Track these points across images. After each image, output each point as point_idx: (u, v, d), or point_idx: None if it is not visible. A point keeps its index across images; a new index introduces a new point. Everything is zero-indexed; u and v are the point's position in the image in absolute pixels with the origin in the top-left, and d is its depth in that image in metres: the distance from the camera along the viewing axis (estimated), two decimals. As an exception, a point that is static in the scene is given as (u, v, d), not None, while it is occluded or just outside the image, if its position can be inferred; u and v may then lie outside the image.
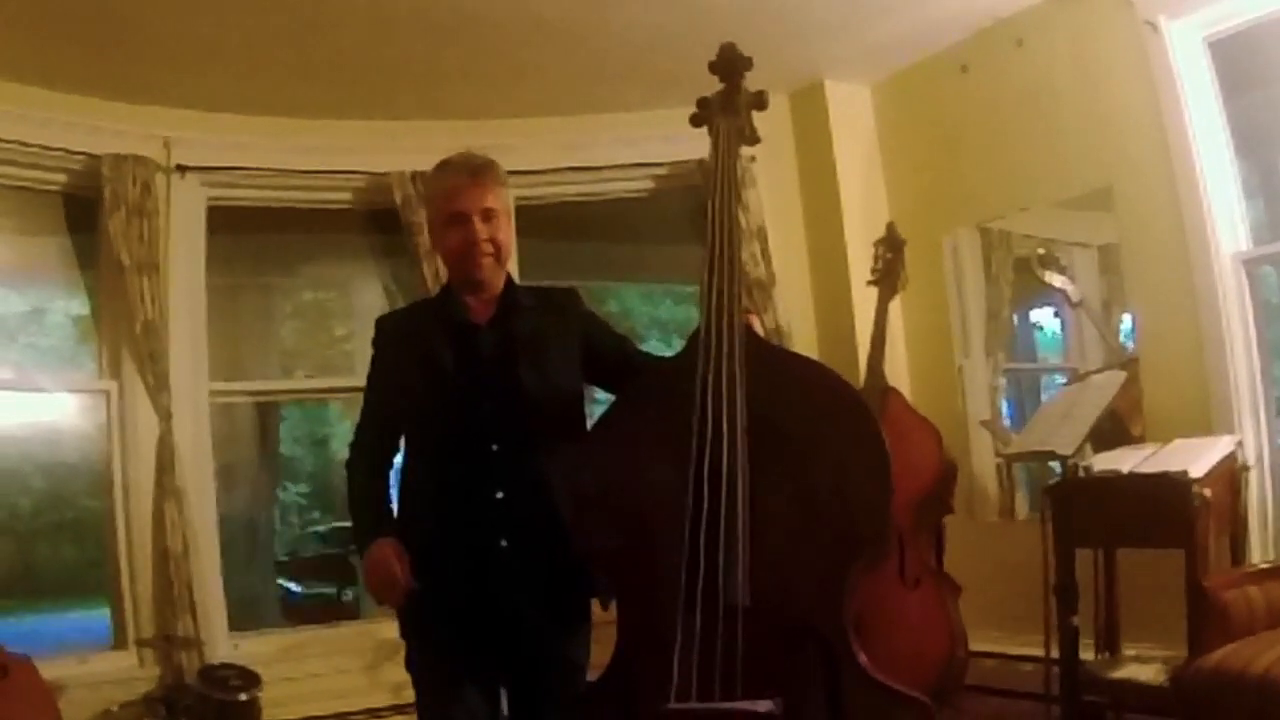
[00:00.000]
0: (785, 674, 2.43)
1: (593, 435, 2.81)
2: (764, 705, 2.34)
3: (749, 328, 2.74)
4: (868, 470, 2.49)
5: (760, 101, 3.05)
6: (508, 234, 3.05)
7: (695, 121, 3.09)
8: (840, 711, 2.41)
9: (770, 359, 2.72)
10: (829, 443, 2.56)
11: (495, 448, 2.89)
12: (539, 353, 3.01)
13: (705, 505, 2.47)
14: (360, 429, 3.12)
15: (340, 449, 13.17)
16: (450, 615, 2.88)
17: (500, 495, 2.88)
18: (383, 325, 3.16)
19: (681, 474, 2.51)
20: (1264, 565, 4.47)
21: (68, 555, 9.59)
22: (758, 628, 2.42)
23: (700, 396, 2.55)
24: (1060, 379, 6.22)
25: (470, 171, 2.98)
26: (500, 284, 3.06)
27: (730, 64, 3.03)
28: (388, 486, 3.07)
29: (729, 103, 3.02)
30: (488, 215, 2.96)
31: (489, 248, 2.97)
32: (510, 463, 2.90)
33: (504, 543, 2.87)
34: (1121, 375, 4.91)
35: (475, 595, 2.87)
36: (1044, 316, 6.72)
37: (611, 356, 3.15)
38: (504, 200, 3.05)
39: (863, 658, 2.46)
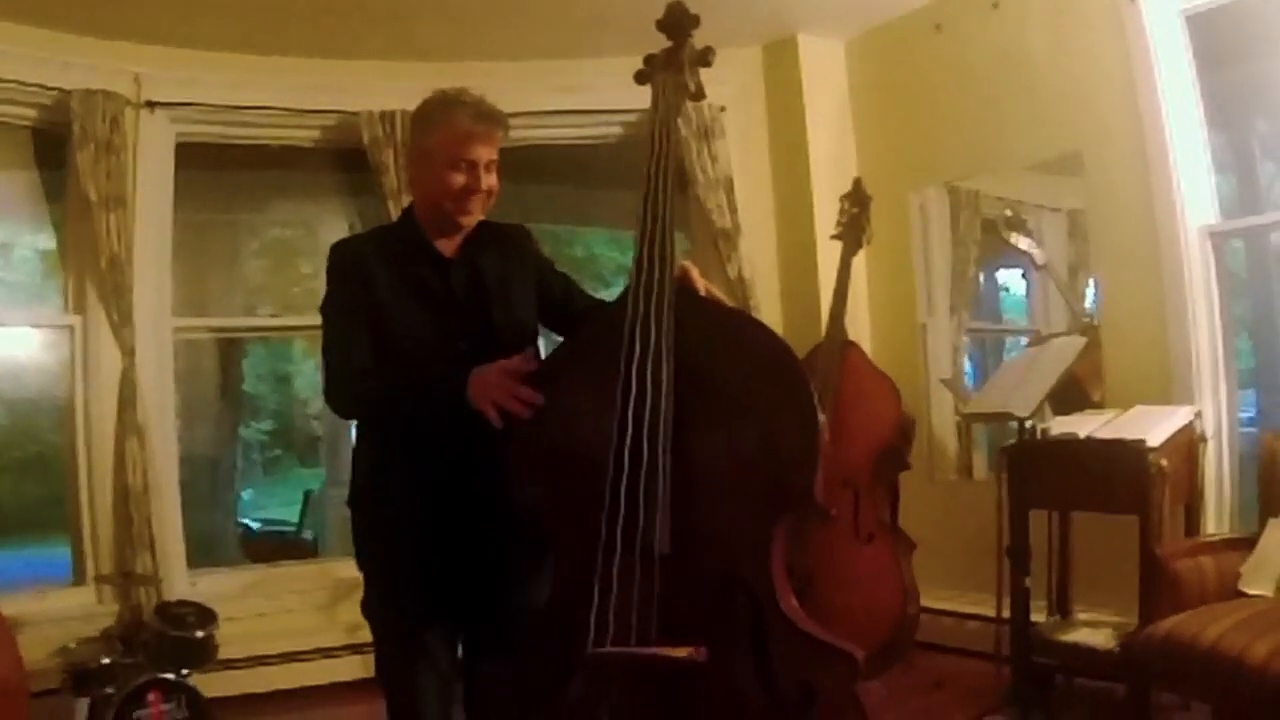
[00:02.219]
0: (710, 622, 2.46)
1: (526, 383, 2.75)
2: (683, 651, 2.37)
3: (685, 280, 2.75)
4: (797, 426, 2.50)
5: (705, 59, 3.02)
6: (496, 180, 3.00)
7: (639, 79, 3.07)
8: (765, 661, 2.44)
9: (704, 312, 2.73)
10: (759, 397, 2.58)
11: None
12: (506, 291, 3.02)
13: (628, 453, 2.50)
14: (342, 357, 2.92)
15: (304, 388, 13.17)
16: (415, 560, 2.87)
17: (471, 436, 2.80)
18: (346, 250, 3.02)
19: (610, 423, 2.54)
20: (1218, 537, 4.51)
21: (29, 491, 9.52)
22: (681, 575, 2.46)
23: (628, 347, 2.58)
24: (1024, 341, 6.24)
25: (486, 117, 2.93)
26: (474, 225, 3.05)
27: (677, 23, 3.02)
28: None
29: (673, 59, 3.01)
30: (491, 166, 2.94)
31: (485, 195, 2.95)
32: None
33: (475, 487, 2.83)
34: (1081, 340, 4.93)
35: (441, 540, 2.86)
36: (1011, 278, 6.77)
37: (560, 298, 3.16)
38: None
39: (789, 607, 2.49)
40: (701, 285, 2.81)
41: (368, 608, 2.99)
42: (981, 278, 6.53)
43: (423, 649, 2.87)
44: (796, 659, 2.43)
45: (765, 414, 2.56)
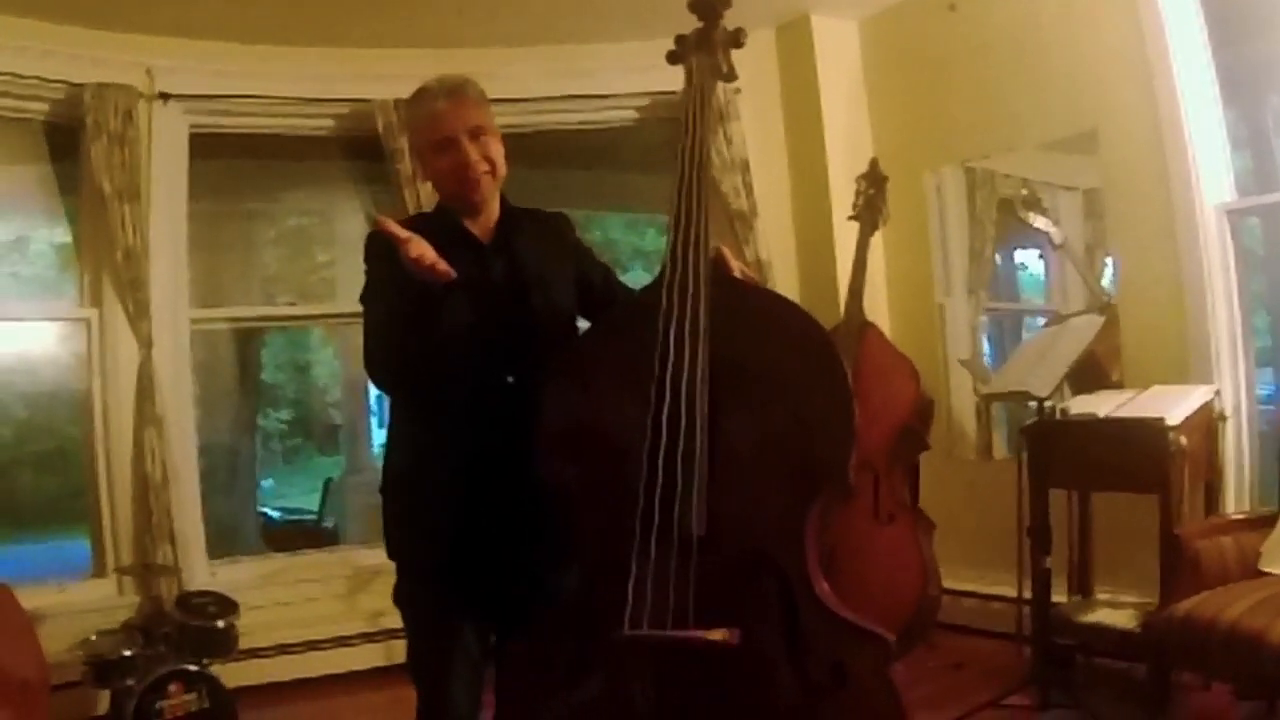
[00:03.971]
0: (743, 605, 2.44)
1: (558, 366, 2.73)
2: (718, 634, 2.35)
3: (718, 262, 2.73)
4: (830, 408, 2.50)
5: (737, 40, 2.98)
6: (498, 150, 2.89)
7: (672, 59, 3.02)
8: (798, 643, 2.43)
9: (738, 294, 2.70)
10: (793, 379, 2.57)
11: (510, 379, 2.81)
12: (544, 278, 2.93)
13: (664, 436, 2.48)
14: (385, 324, 2.80)
15: (322, 376, 13.21)
16: (452, 549, 2.80)
17: (511, 420, 2.75)
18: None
19: (644, 407, 2.52)
20: (1238, 515, 4.51)
21: (49, 485, 9.57)
22: (715, 558, 2.44)
23: (663, 330, 2.56)
24: (1042, 321, 6.23)
25: (447, 93, 2.85)
26: (497, 206, 2.94)
27: (709, 3, 2.97)
28: None
29: (705, 40, 2.96)
30: (475, 133, 2.83)
31: (484, 165, 2.84)
32: (522, 395, 2.79)
33: (514, 474, 2.74)
34: (1099, 319, 4.91)
35: (479, 528, 2.78)
36: (1029, 258, 6.74)
37: (599, 288, 3.09)
38: (488, 116, 2.90)
39: (821, 591, 2.47)
40: (736, 267, 2.78)
41: (399, 597, 2.93)
42: (999, 258, 6.50)
43: (457, 640, 2.82)
44: (829, 642, 2.42)
45: (801, 395, 2.54)
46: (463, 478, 2.78)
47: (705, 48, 2.95)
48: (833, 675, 2.40)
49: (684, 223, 2.68)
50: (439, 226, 2.87)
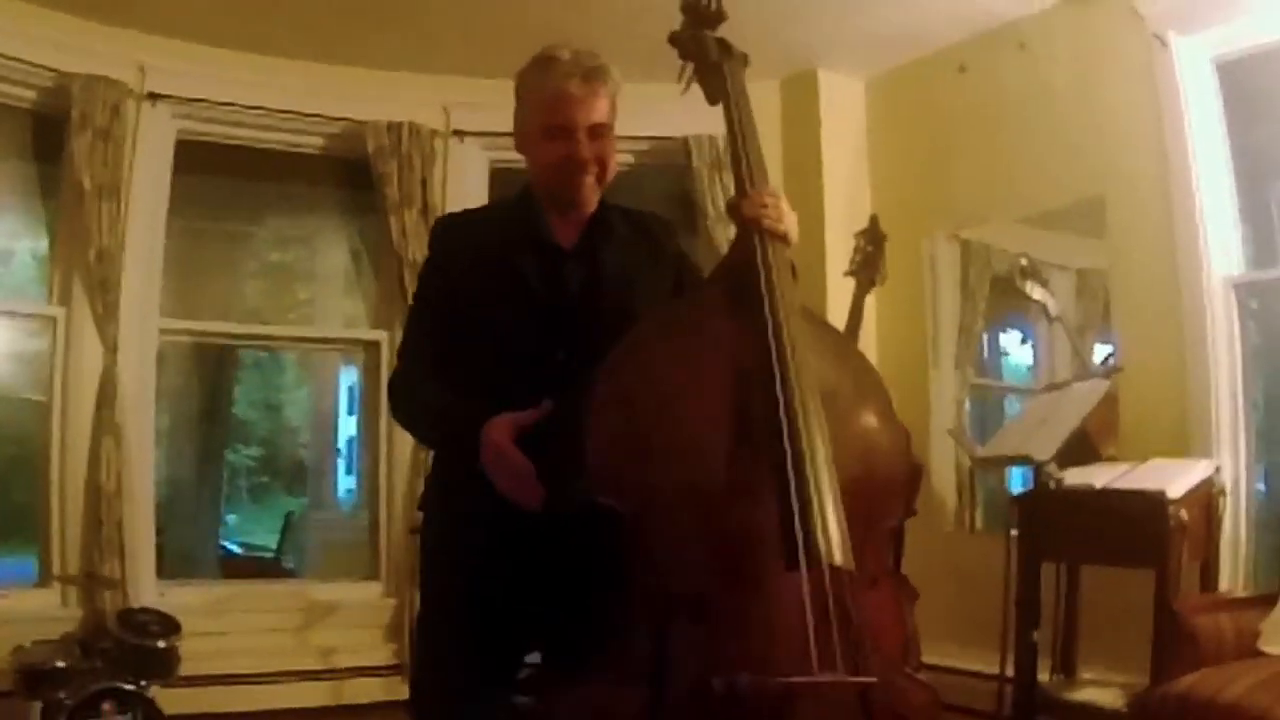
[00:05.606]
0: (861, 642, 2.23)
1: (627, 368, 2.36)
2: (871, 678, 2.16)
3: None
4: (896, 438, 2.47)
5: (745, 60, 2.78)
6: (613, 151, 2.61)
7: (702, 75, 2.75)
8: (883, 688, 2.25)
9: (810, 316, 2.55)
10: (865, 401, 2.48)
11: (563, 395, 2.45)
12: (628, 289, 2.61)
13: (790, 453, 2.20)
14: (412, 352, 2.66)
15: (294, 416, 13.05)
16: (475, 584, 2.51)
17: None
18: (446, 231, 2.72)
19: (730, 419, 2.29)
20: (1240, 594, 4.40)
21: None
22: (842, 590, 2.20)
23: (772, 332, 2.33)
24: (1021, 402, 6.23)
25: (584, 76, 2.53)
26: (594, 204, 2.65)
27: (709, 12, 2.78)
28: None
29: (729, 50, 2.74)
30: (596, 132, 2.54)
31: (593, 168, 2.55)
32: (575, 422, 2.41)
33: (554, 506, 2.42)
34: (1105, 383, 4.79)
35: (510, 561, 2.47)
36: (1011, 343, 6.68)
37: None
38: (614, 113, 2.61)
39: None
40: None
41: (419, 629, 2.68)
42: (985, 337, 6.43)
43: (465, 681, 2.52)
44: (900, 689, 2.31)
45: (869, 419, 2.45)
46: (491, 510, 2.41)
47: (726, 51, 2.74)
48: None
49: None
50: (517, 219, 2.65)
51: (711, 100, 2.75)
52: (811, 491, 2.18)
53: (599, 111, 2.54)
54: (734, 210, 2.55)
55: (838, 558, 2.17)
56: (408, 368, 2.64)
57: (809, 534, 2.15)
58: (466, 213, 2.91)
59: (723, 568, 2.22)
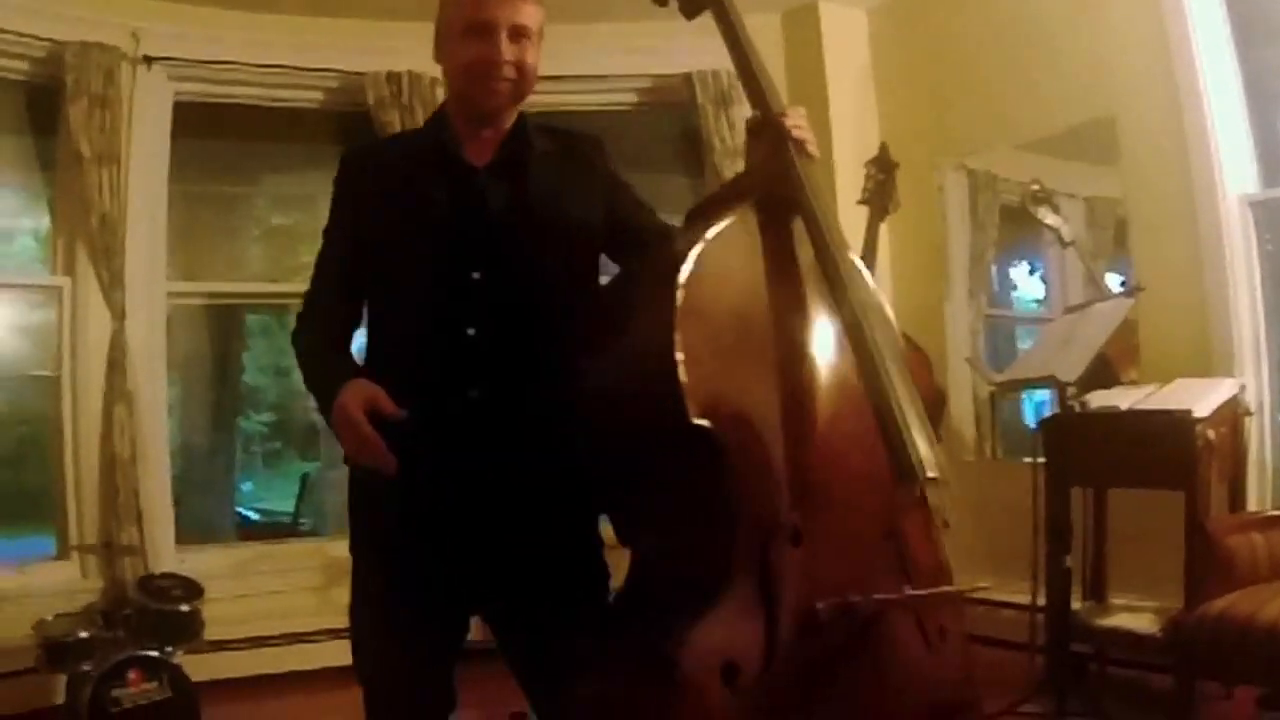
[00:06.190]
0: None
1: (692, 282, 2.14)
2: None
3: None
4: (921, 358, 2.57)
5: None
6: (535, 59, 2.41)
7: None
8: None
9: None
10: (890, 322, 2.49)
11: (472, 332, 2.36)
12: (554, 208, 2.45)
13: (872, 364, 2.23)
14: (313, 291, 2.53)
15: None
16: (417, 531, 2.37)
17: (475, 395, 2.35)
18: (351, 160, 2.57)
19: (802, 331, 2.29)
20: (1272, 512, 4.29)
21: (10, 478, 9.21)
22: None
23: (825, 243, 2.32)
24: (1036, 330, 6.17)
25: None
26: (511, 120, 2.48)
27: None
28: (350, 358, 2.47)
29: None
30: (517, 33, 2.37)
31: (510, 71, 2.37)
32: (491, 355, 2.37)
33: (480, 453, 2.35)
34: (1129, 302, 4.71)
35: (448, 508, 2.36)
36: (1020, 276, 6.66)
37: (635, 229, 2.56)
38: (538, 19, 2.42)
39: None
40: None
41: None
42: (995, 268, 6.39)
43: (405, 643, 2.42)
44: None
45: (903, 346, 2.52)
46: (421, 451, 2.30)
47: None
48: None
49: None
50: (427, 141, 2.52)
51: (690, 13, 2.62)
52: (896, 403, 2.20)
53: (524, 14, 2.39)
54: (767, 126, 2.42)
55: (932, 470, 2.20)
56: (304, 316, 2.54)
57: (909, 447, 2.19)
58: (376, 142, 2.81)
59: (819, 485, 2.19)
